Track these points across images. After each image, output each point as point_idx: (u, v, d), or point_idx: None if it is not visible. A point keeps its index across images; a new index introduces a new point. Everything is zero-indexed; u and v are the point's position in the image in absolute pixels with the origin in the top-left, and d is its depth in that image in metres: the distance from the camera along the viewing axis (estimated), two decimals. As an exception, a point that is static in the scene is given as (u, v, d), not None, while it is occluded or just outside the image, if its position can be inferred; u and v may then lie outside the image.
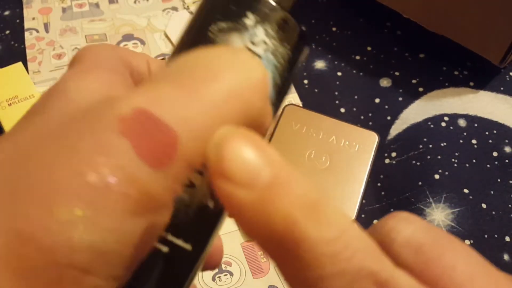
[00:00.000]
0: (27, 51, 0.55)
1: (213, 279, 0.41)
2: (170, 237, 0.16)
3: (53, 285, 0.12)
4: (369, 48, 0.57)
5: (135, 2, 0.61)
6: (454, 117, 0.51)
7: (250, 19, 0.17)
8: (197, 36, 0.18)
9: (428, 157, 0.48)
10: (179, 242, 0.16)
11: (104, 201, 0.12)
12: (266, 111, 0.15)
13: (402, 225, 0.15)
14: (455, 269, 0.14)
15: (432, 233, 0.15)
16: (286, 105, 0.50)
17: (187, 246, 0.16)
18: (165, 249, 0.16)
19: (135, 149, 0.12)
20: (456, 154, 0.49)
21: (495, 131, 0.50)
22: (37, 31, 0.57)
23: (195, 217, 0.16)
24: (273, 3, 0.18)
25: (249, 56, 0.15)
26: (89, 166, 0.12)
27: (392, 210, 0.46)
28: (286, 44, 0.18)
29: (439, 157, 0.48)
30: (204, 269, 0.21)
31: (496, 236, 0.44)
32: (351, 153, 0.47)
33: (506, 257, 0.43)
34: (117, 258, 0.13)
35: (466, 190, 0.46)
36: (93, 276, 0.12)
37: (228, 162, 0.12)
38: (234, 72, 0.14)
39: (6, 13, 0.59)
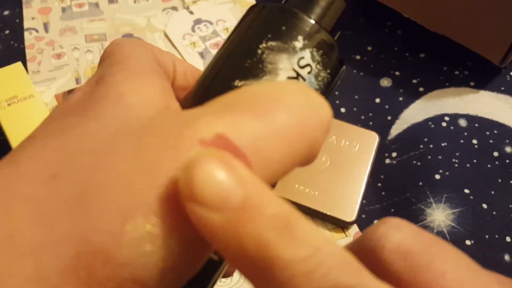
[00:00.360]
0: (27, 51, 0.55)
1: (213, 279, 0.41)
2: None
3: None
4: (369, 48, 0.57)
5: (134, 1, 0.61)
6: (454, 117, 0.51)
7: (299, 42, 0.18)
8: (247, 53, 0.18)
9: (429, 157, 0.48)
10: (212, 255, 0.17)
11: (178, 222, 0.12)
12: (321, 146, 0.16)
13: (391, 231, 0.15)
14: (445, 276, 0.14)
15: (422, 239, 0.14)
16: (286, 105, 0.50)
17: (215, 257, 0.17)
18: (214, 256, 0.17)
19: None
20: (457, 154, 0.49)
21: (495, 131, 0.50)
22: (37, 31, 0.57)
23: None
24: (322, 29, 0.18)
25: (318, 94, 0.15)
26: (167, 184, 0.12)
27: (392, 210, 0.45)
28: (328, 69, 0.18)
29: (439, 157, 0.48)
30: (224, 276, 0.22)
31: (497, 236, 0.44)
32: (351, 153, 0.47)
33: (507, 257, 0.43)
34: (175, 277, 0.13)
35: (466, 190, 0.46)
36: None
37: (197, 185, 0.12)
38: (306, 108, 0.15)
39: (6, 12, 0.59)
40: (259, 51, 0.18)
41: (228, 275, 0.23)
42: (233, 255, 0.12)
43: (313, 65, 0.18)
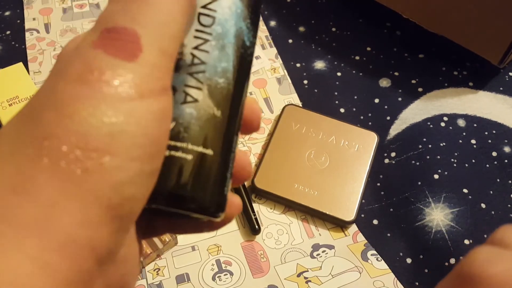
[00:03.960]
0: (28, 51, 0.55)
1: (213, 278, 0.41)
2: (191, 146, 0.19)
3: (77, 163, 0.14)
4: (368, 49, 0.57)
5: (135, 2, 0.61)
6: (453, 117, 0.52)
7: None
8: None
9: (428, 157, 0.48)
10: (200, 149, 0.19)
11: (110, 91, 0.15)
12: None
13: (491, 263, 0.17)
14: None
15: None
16: (286, 105, 0.51)
17: (209, 151, 0.19)
18: (189, 157, 0.19)
19: (107, 54, 0.15)
20: (456, 154, 0.49)
21: (494, 131, 0.50)
22: (38, 32, 0.57)
23: (206, 126, 0.19)
24: None
25: None
26: (80, 78, 0.15)
27: (391, 210, 0.46)
28: None
29: (438, 157, 0.48)
30: (235, 181, 0.23)
31: (495, 235, 0.44)
32: (350, 153, 0.48)
33: (505, 256, 0.43)
34: (131, 139, 0.15)
35: (465, 190, 0.46)
36: (112, 156, 0.14)
37: None
38: None
39: (7, 13, 0.59)
40: None
41: (239, 179, 0.23)
42: None
43: None
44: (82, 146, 0.14)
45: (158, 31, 0.16)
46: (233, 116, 0.20)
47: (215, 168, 0.19)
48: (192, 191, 0.19)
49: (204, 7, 0.19)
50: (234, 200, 0.21)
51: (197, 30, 0.19)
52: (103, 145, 0.14)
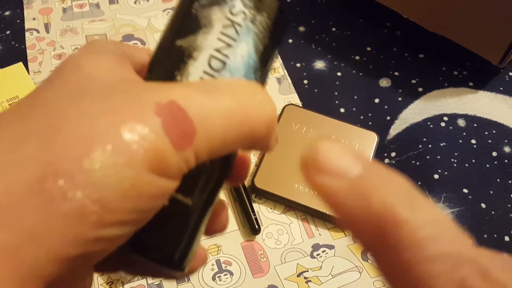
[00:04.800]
0: (28, 51, 0.55)
1: (213, 278, 0.41)
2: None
3: (74, 218, 0.14)
4: (368, 49, 0.57)
5: (135, 2, 0.61)
6: (453, 117, 0.52)
7: None
8: (183, 15, 0.20)
9: (428, 157, 0.48)
10: (179, 196, 0.18)
11: (130, 154, 0.15)
12: (270, 136, 0.18)
13: None
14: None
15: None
16: (286, 105, 0.50)
17: (187, 201, 0.18)
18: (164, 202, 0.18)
19: (163, 127, 0.15)
20: (456, 154, 0.49)
21: (494, 131, 0.50)
22: (38, 32, 0.57)
23: (192, 175, 0.18)
24: None
25: (266, 94, 0.18)
26: (126, 126, 0.15)
27: (391, 209, 0.46)
28: (263, 12, 0.19)
29: (438, 157, 0.48)
30: (209, 232, 0.22)
31: (495, 235, 0.44)
32: (350, 153, 0.47)
33: (505, 256, 0.43)
34: (129, 204, 0.15)
35: (465, 190, 0.46)
36: (105, 212, 0.14)
37: (322, 159, 0.15)
38: (250, 99, 0.17)
39: (7, 13, 0.59)
40: (193, 10, 0.19)
41: (214, 231, 0.23)
42: (359, 218, 0.14)
43: (246, 10, 0.19)
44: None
45: (209, 141, 0.16)
46: (224, 165, 0.19)
47: (191, 220, 0.18)
48: (158, 240, 0.18)
49: (217, 50, 0.19)
50: (200, 253, 0.21)
51: (205, 72, 0.18)
52: (102, 200, 0.14)
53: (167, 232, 0.18)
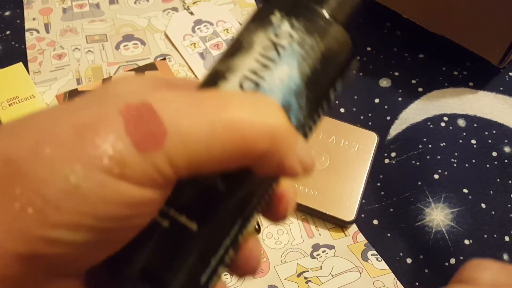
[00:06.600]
0: (28, 51, 0.55)
1: (213, 278, 0.41)
2: (172, 212, 0.16)
3: (36, 219, 0.14)
4: (368, 48, 0.57)
5: (135, 2, 0.61)
6: (453, 117, 0.52)
7: (276, 16, 0.18)
8: (231, 42, 0.19)
9: (428, 157, 0.48)
10: (182, 218, 0.16)
11: (80, 151, 0.14)
12: (281, 153, 0.16)
13: (480, 272, 0.17)
14: None
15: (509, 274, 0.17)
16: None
17: (192, 225, 0.16)
18: (165, 223, 0.16)
19: (125, 126, 0.14)
20: (456, 154, 0.49)
21: (494, 131, 0.50)
22: (38, 32, 0.57)
23: (201, 196, 0.16)
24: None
25: (273, 103, 0.16)
26: (83, 125, 0.15)
27: (391, 210, 0.46)
28: (315, 34, 0.18)
29: (438, 157, 0.48)
30: (233, 270, 0.20)
31: (495, 236, 0.44)
32: (350, 153, 0.47)
33: (505, 256, 0.43)
34: (81, 205, 0.14)
35: (465, 190, 0.46)
36: (49, 209, 0.14)
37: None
38: (247, 110, 0.15)
39: (7, 13, 0.59)
40: (239, 35, 0.19)
41: (240, 270, 0.20)
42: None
43: (294, 32, 0.18)
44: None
45: (184, 148, 0.15)
46: (242, 190, 0.17)
47: (196, 248, 0.16)
48: (156, 268, 0.16)
49: (252, 71, 0.17)
50: None
51: None
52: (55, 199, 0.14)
53: (167, 259, 0.16)
